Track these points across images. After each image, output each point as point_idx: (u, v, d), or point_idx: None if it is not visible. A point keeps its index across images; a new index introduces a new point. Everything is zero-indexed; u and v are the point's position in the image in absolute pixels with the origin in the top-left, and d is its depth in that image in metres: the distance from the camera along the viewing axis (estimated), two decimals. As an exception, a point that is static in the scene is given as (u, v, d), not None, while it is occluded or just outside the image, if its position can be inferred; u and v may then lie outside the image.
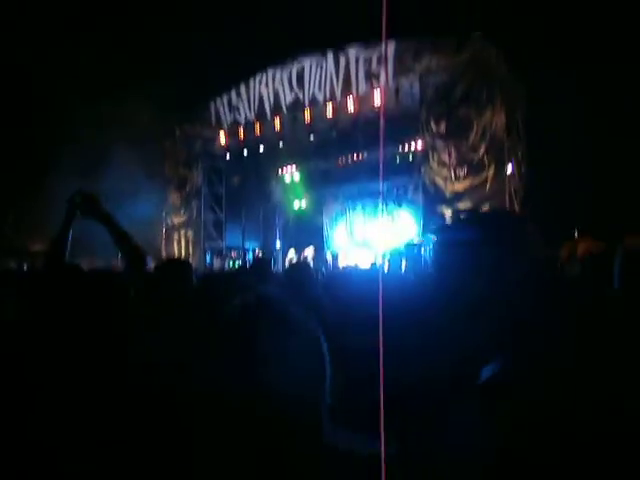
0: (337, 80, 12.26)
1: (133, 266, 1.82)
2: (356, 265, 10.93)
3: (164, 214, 15.11)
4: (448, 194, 10.98)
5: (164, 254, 15.22)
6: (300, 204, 16.03)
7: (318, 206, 15.93)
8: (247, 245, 15.39)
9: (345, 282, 2.62)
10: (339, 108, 12.33)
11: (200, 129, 14.48)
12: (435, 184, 11.10)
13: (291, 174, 15.38)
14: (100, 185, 7.73)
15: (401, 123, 11.58)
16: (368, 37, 11.08)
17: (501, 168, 10.36)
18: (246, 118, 13.75)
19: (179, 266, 2.10)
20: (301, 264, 2.73)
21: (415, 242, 10.97)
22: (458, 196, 10.81)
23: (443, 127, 10.87)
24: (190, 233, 14.66)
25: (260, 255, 13.94)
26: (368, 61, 11.92)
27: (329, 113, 12.37)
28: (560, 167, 10.00)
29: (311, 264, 13.00)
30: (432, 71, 10.85)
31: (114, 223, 1.88)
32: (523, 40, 9.81)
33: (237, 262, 13.71)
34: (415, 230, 12.89)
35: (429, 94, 10.97)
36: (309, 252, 13.42)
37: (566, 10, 9.45)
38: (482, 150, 10.52)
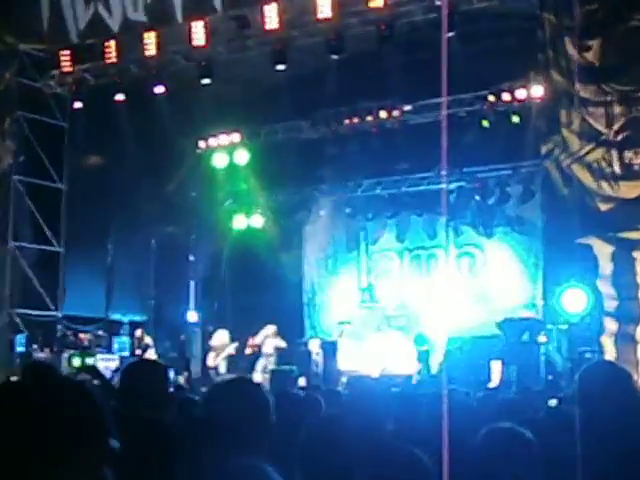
0: None
1: None
2: (382, 375, 9.71)
3: None
4: (604, 207, 9.43)
5: None
6: (248, 222, 13.21)
7: (291, 227, 13.21)
8: (118, 316, 12.84)
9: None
10: (345, 2, 10.54)
11: (14, 43, 12.54)
12: (578, 184, 9.52)
13: (228, 151, 12.97)
14: None
15: (494, 41, 10.34)
16: None
17: None
18: (125, 21, 11.64)
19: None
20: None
21: (526, 319, 10.07)
22: (625, 212, 9.24)
23: (597, 55, 9.41)
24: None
25: (148, 350, 11.34)
26: None
27: (322, 12, 10.31)
28: None
29: (269, 366, 11.23)
30: None
31: None
32: None
33: (92, 357, 10.98)
34: (527, 290, 11.34)
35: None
36: (268, 340, 10.92)
37: None
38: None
